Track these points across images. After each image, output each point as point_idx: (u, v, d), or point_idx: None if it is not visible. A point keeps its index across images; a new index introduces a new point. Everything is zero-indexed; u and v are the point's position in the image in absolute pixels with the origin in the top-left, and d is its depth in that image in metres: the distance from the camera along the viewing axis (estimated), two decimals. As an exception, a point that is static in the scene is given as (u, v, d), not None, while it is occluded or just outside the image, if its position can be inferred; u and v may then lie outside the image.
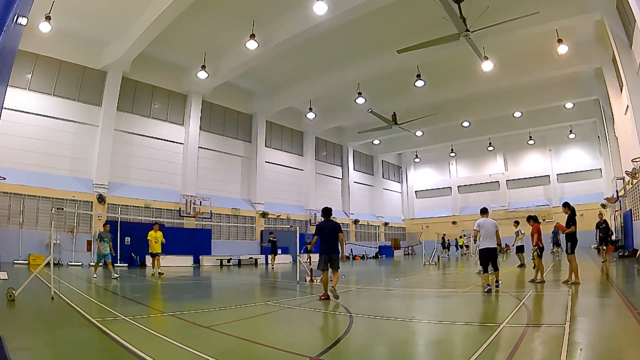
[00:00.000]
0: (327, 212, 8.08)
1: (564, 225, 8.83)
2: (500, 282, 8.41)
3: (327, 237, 7.65)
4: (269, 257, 20.17)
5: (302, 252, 11.16)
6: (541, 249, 9.64)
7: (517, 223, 14.71)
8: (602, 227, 14.50)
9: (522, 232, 14.30)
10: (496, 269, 8.34)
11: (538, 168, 35.21)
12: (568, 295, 6.94)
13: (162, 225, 13.85)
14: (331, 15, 15.49)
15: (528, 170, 35.77)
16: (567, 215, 8.89)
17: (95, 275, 12.27)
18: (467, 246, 28.95)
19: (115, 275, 12.03)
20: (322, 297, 7.41)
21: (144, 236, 13.80)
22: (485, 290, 7.87)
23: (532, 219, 10.17)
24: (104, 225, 12.91)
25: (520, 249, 14.75)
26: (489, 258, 8.28)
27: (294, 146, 30.20)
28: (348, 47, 19.90)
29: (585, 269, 12.46)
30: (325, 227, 7.73)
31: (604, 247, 14.52)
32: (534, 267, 9.59)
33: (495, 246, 8.23)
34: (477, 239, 8.59)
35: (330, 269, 7.60)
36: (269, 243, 19.45)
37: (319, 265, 7.71)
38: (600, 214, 15.10)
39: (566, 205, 9.08)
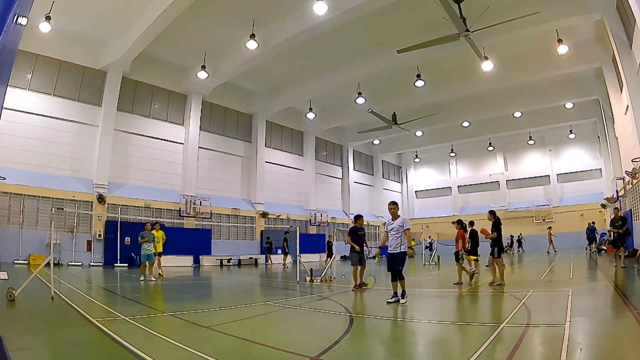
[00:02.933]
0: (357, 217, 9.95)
1: (489, 231, 9.64)
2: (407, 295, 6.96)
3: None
4: (282, 256, 21.33)
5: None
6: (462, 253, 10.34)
7: (472, 224, 14.75)
8: (618, 225, 11.83)
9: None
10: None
11: (538, 168, 35.21)
12: (568, 296, 6.94)
13: (162, 225, 13.61)
14: (331, 15, 15.48)
15: (528, 170, 35.77)
16: (491, 222, 9.56)
17: (153, 278, 11.75)
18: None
19: (153, 279, 11.70)
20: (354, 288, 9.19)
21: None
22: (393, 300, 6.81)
23: (458, 224, 10.55)
24: (145, 224, 12.53)
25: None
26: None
27: (294, 146, 30.20)
28: (348, 47, 19.90)
29: (593, 276, 12.44)
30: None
31: (616, 249, 12.05)
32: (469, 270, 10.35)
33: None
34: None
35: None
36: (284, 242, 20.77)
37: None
38: (616, 209, 12.77)
39: (491, 213, 9.80)
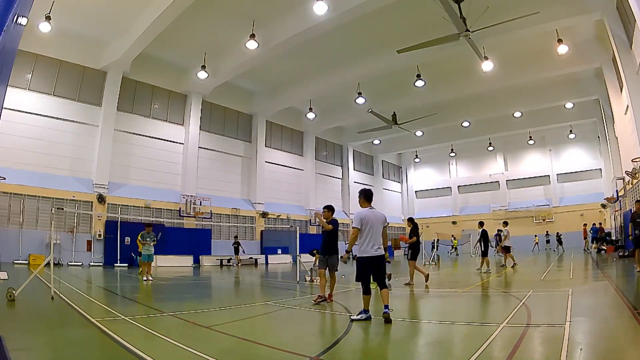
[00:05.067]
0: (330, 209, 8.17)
1: (407, 237, 10.62)
2: (391, 309, 5.21)
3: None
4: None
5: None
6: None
7: (505, 224, 14.88)
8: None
9: (505, 233, 14.69)
10: (384, 285, 5.46)
11: (538, 168, 35.21)
12: (568, 296, 6.94)
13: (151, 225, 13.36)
14: (331, 15, 15.49)
15: (528, 170, 35.77)
16: (410, 228, 10.48)
17: (150, 278, 11.71)
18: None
19: (150, 278, 11.72)
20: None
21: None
22: (362, 317, 5.29)
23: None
24: (148, 225, 12.59)
25: (506, 249, 14.86)
26: (373, 270, 5.49)
27: (294, 146, 30.20)
28: (348, 47, 19.90)
29: (594, 276, 12.40)
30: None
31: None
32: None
33: (383, 252, 5.52)
34: (357, 240, 5.52)
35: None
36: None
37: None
38: (638, 202, 10.33)
39: (410, 220, 10.74)
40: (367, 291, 5.48)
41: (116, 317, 5.64)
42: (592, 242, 23.13)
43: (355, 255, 5.69)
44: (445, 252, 29.60)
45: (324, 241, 7.64)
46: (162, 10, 14.83)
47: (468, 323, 5.45)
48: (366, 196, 5.78)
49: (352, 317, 5.43)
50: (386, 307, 5.23)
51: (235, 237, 21.82)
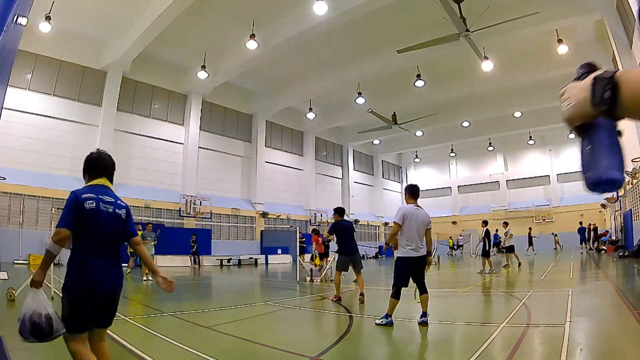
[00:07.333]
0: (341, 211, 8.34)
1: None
2: (428, 315, 5.09)
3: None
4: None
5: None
6: (321, 255, 11.91)
7: (506, 224, 14.88)
8: None
9: (511, 232, 14.57)
10: (424, 290, 5.19)
11: (538, 168, 35.19)
12: (568, 296, 6.94)
13: (143, 224, 13.28)
14: (331, 15, 15.48)
15: (528, 170, 35.75)
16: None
17: (150, 278, 11.53)
18: (460, 246, 29.75)
19: (150, 278, 11.69)
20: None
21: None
22: (382, 322, 5.03)
23: (315, 233, 12.41)
24: (147, 224, 12.64)
25: (510, 249, 14.81)
26: (414, 272, 5.20)
27: (294, 146, 30.19)
28: (348, 47, 19.88)
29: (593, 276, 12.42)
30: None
31: None
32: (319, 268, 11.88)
33: (424, 254, 5.26)
34: (395, 238, 5.26)
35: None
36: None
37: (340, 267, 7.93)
38: None
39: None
40: (397, 295, 5.07)
41: (116, 317, 5.63)
42: (580, 243, 23.23)
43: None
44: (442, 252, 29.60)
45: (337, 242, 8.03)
46: (162, 10, 14.82)
47: (468, 323, 5.45)
48: (412, 192, 5.39)
49: (375, 321, 5.16)
50: (424, 314, 5.02)
51: (194, 234, 19.86)
